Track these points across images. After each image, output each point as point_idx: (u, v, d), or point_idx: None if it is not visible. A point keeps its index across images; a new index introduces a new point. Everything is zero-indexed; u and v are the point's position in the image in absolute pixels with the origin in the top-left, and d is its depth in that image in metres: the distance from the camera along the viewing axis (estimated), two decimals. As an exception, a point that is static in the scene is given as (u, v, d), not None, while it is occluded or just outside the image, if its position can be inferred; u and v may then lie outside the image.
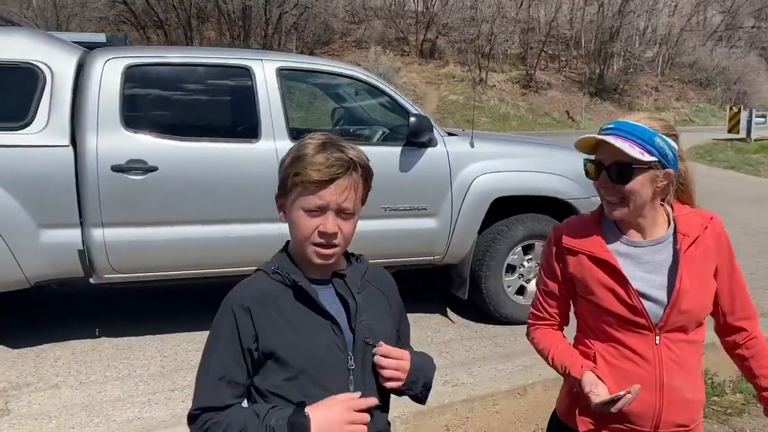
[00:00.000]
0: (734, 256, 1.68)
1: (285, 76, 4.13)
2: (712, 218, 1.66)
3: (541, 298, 1.77)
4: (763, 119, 21.54)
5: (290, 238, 1.42)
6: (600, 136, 1.55)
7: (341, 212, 1.35)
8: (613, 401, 1.47)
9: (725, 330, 1.72)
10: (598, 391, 1.52)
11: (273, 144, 3.94)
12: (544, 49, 30.63)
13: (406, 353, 1.42)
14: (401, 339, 1.55)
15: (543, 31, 30.82)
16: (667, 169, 1.56)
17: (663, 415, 1.59)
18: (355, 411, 1.31)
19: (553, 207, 4.63)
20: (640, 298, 1.57)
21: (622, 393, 1.46)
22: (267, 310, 1.35)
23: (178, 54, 4.05)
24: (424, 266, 4.57)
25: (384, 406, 1.43)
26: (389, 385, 1.39)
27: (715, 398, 3.81)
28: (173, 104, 4.08)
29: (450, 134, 4.58)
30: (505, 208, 4.53)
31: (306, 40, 26.79)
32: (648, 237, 1.63)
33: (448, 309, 4.88)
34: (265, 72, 4.02)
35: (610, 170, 1.55)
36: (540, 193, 4.58)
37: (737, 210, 9.62)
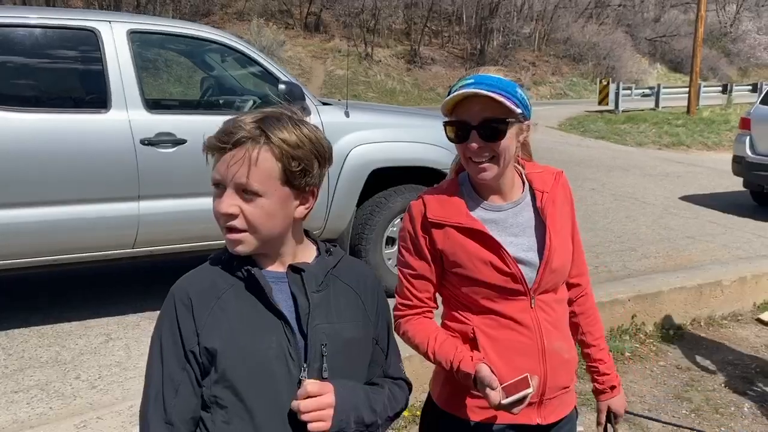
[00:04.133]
0: (575, 211, 1.65)
1: (137, 40, 3.75)
2: (560, 173, 1.62)
3: (408, 284, 1.58)
4: (629, 92, 22.96)
5: None
6: (476, 90, 1.39)
7: (242, 191, 1.14)
8: (520, 401, 1.33)
9: None
10: (496, 387, 1.36)
11: (125, 114, 3.58)
12: (427, 25, 30.96)
13: (327, 386, 1.16)
14: (379, 345, 1.34)
15: (426, 7, 31.11)
16: (527, 121, 1.49)
17: (548, 381, 1.52)
18: None
19: (433, 177, 4.59)
20: (517, 264, 1.49)
21: (523, 393, 1.33)
22: (210, 304, 1.17)
23: (10, 13, 3.56)
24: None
25: None
26: (314, 427, 1.14)
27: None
28: (5, 71, 3.59)
29: (324, 104, 4.39)
30: (384, 179, 4.43)
31: (183, 11, 25.43)
32: (508, 199, 1.55)
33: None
34: (114, 35, 3.63)
35: (482, 127, 1.42)
36: (418, 163, 4.52)
37: (607, 177, 10.16)
